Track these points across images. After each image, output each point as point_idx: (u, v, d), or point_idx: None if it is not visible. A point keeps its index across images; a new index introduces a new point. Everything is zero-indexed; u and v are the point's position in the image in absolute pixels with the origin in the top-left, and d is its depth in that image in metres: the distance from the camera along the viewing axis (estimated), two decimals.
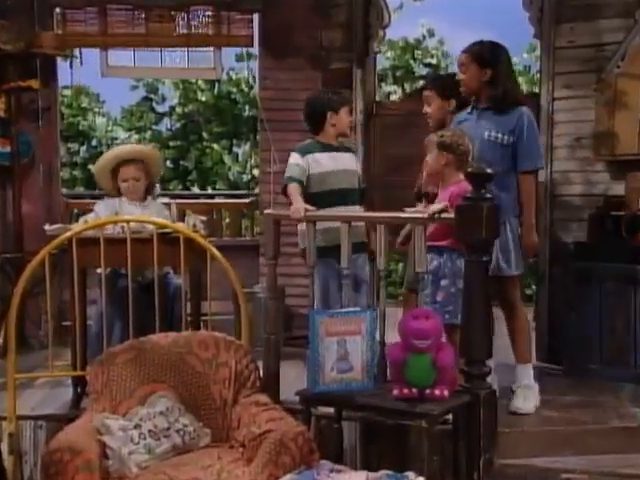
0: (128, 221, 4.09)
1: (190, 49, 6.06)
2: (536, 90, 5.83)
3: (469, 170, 3.52)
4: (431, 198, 4.26)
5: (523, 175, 4.15)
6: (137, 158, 4.80)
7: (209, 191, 13.82)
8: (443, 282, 3.94)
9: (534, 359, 4.73)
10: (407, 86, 14.72)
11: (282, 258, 4.47)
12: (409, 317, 3.37)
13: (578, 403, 4.34)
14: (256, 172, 8.39)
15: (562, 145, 5.25)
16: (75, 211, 6.57)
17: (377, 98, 13.95)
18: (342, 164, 4.55)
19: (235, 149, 14.92)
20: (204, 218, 4.55)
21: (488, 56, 4.22)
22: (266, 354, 4.12)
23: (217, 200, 8.25)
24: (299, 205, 4.17)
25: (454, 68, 15.48)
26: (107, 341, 4.19)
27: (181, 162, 14.73)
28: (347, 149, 4.71)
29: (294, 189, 4.44)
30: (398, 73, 14.95)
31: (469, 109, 4.40)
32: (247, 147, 14.69)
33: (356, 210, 4.53)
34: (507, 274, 4.18)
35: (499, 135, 4.17)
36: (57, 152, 6.06)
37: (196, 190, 14.25)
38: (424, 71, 15.26)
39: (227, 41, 6.02)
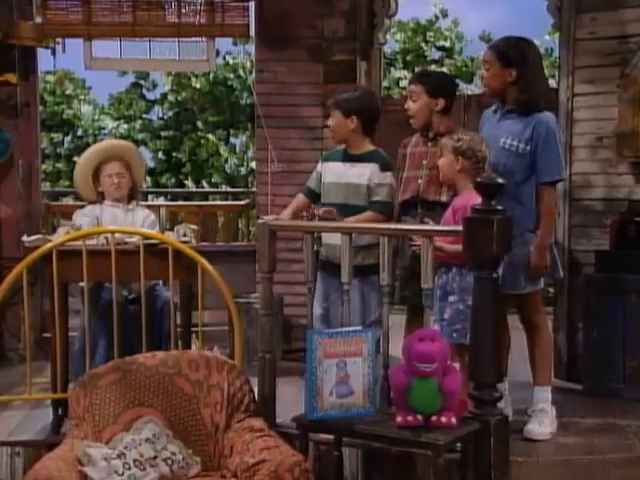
0: (113, 232, 4.12)
1: (181, 39, 6.09)
2: (556, 79, 5.84)
3: (478, 180, 3.53)
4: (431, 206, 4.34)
5: (542, 187, 4.15)
6: (120, 154, 4.89)
7: (204, 188, 13.86)
8: (451, 298, 3.97)
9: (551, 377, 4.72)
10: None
11: (281, 264, 4.48)
12: (413, 339, 3.39)
13: (598, 428, 4.35)
14: (254, 165, 8.42)
15: (582, 145, 5.24)
16: (55, 222, 6.59)
17: (385, 84, 13.90)
18: (348, 176, 4.46)
19: (232, 140, 14.95)
20: (195, 227, 4.59)
21: (513, 54, 4.18)
22: (261, 374, 4.13)
23: (211, 202, 8.27)
24: (270, 216, 4.27)
25: (469, 51, 15.27)
26: (90, 360, 4.23)
27: (174, 154, 14.77)
28: (370, 159, 4.49)
29: (295, 199, 4.57)
30: (408, 57, 14.95)
31: (494, 107, 4.39)
32: (245, 137, 14.73)
33: None
34: (525, 291, 4.20)
35: (514, 143, 4.17)
36: (37, 151, 6.10)
37: (190, 184, 14.28)
38: (437, 55, 15.28)
39: (221, 31, 6.05)
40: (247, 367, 4.55)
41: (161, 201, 11.88)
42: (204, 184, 14.28)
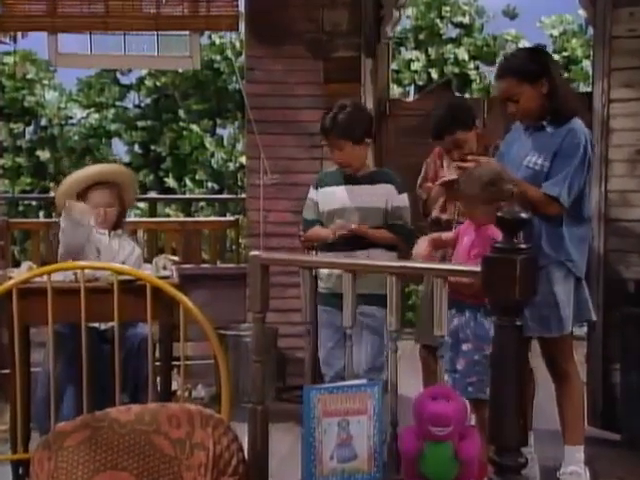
0: (83, 267, 4.15)
1: (160, 33, 6.11)
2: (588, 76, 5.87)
3: (498, 214, 3.54)
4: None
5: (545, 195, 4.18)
6: (112, 181, 4.95)
7: (187, 186, 13.89)
8: (464, 347, 3.97)
9: (585, 424, 4.70)
10: (432, 52, 14.74)
11: (275, 290, 4.50)
12: (426, 397, 3.40)
13: None
14: (244, 160, 8.45)
15: (620, 158, 5.26)
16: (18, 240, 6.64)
17: (394, 67, 13.87)
18: (361, 201, 4.54)
19: (219, 131, 14.98)
20: (176, 258, 4.62)
21: (535, 66, 4.25)
22: (252, 429, 4.12)
23: (195, 219, 8.31)
24: None
25: (491, 28, 15.28)
26: (56, 411, 4.27)
27: (152, 147, 14.79)
28: (382, 179, 4.61)
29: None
30: (421, 35, 14.96)
31: (525, 125, 4.40)
32: (233, 129, 14.74)
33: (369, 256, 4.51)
34: (552, 335, 4.22)
35: (539, 161, 4.21)
36: None
37: (170, 182, 14.28)
38: (454, 32, 15.29)
39: (206, 24, 6.11)
40: (236, 410, 4.57)
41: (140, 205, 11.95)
42: (187, 181, 14.29)
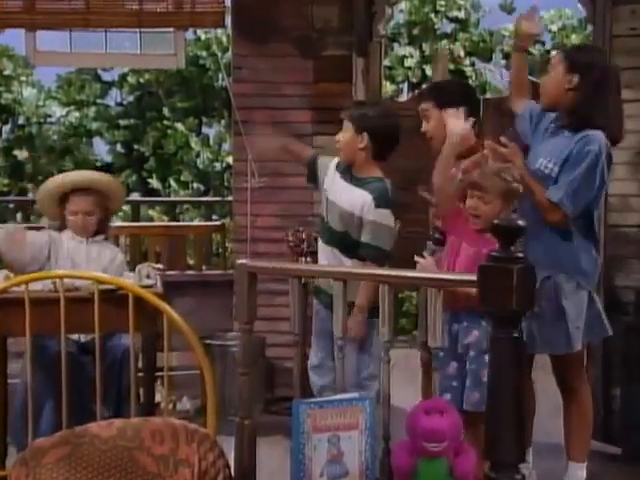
0: (62, 276, 4.14)
1: (143, 30, 6.11)
2: None
3: (495, 222, 3.54)
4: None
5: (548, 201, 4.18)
6: (92, 188, 4.92)
7: (171, 187, 13.87)
8: (488, 357, 3.97)
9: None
10: (426, 47, 14.76)
11: (263, 297, 4.52)
12: (419, 411, 3.40)
13: None
14: (230, 160, 8.45)
15: (620, 161, 5.21)
16: None
17: (387, 63, 13.83)
18: (342, 200, 4.56)
19: (205, 130, 14.95)
20: (160, 266, 4.61)
21: (580, 58, 4.28)
22: (238, 444, 4.13)
23: (180, 223, 8.32)
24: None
25: (487, 23, 15.23)
26: (34, 425, 4.24)
27: (135, 146, 14.75)
28: (361, 185, 4.57)
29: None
30: (415, 31, 14.97)
31: (549, 120, 4.41)
32: (220, 127, 14.73)
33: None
34: (561, 352, 4.22)
35: (549, 164, 4.22)
36: None
37: (154, 183, 14.26)
38: (449, 27, 15.30)
39: (190, 20, 6.10)
40: (222, 423, 4.56)
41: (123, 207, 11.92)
42: (172, 182, 14.26)
